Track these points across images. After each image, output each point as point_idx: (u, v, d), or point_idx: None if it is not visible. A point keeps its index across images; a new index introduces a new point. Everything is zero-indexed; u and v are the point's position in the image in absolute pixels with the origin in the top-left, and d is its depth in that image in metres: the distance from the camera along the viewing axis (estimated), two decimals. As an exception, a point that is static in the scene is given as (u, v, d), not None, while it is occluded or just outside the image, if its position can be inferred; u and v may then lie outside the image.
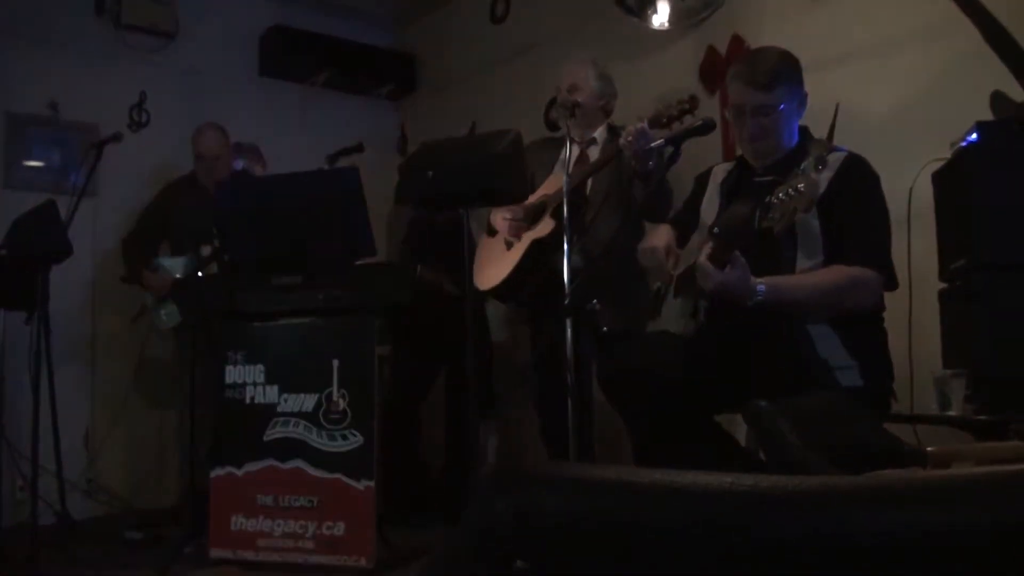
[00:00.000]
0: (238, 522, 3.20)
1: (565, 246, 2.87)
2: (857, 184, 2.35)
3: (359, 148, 3.77)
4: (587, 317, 2.71)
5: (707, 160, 3.15)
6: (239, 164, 4.57)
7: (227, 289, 3.34)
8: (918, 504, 0.44)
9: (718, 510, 0.44)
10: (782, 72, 2.44)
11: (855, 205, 2.31)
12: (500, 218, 3.48)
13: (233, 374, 3.33)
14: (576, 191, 3.25)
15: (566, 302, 2.65)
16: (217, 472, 3.28)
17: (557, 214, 3.22)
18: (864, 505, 0.43)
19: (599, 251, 3.15)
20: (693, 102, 3.13)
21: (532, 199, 3.45)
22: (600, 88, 3.54)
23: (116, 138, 4.02)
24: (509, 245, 3.49)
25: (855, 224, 2.30)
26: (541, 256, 3.28)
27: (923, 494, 0.46)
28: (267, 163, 4.92)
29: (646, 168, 3.07)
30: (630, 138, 3.03)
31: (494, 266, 3.53)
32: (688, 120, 3.09)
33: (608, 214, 3.39)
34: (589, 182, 3.40)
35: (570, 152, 3.10)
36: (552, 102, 4.60)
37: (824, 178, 1.95)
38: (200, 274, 3.95)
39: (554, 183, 3.36)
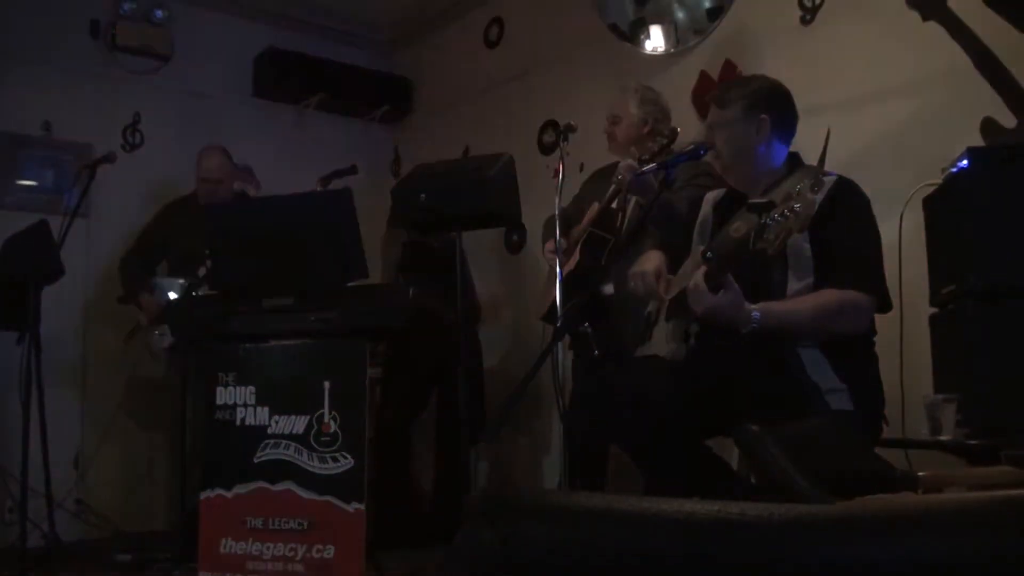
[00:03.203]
0: (227, 545, 3.17)
1: (558, 271, 2.88)
2: (848, 207, 2.35)
3: (353, 170, 3.78)
4: (579, 340, 2.72)
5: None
6: (236, 186, 4.57)
7: (219, 310, 3.33)
8: (900, 533, 0.44)
9: (703, 538, 0.43)
10: (742, 91, 2.47)
11: (846, 228, 2.32)
12: (545, 251, 3.55)
13: (224, 395, 3.30)
14: (607, 222, 3.28)
15: (557, 325, 2.65)
16: (207, 494, 3.25)
17: (584, 248, 3.24)
18: (854, 534, 0.43)
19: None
20: (672, 135, 3.13)
21: (578, 229, 3.51)
22: (642, 114, 3.55)
23: (109, 159, 4.03)
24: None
25: (846, 247, 2.30)
26: (575, 287, 3.30)
27: (905, 523, 0.45)
28: (260, 184, 4.92)
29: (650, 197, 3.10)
30: (620, 175, 3.05)
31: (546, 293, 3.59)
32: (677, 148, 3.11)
33: (642, 243, 3.41)
34: (624, 212, 3.42)
35: (562, 181, 3.14)
36: (546, 126, 4.64)
37: (815, 200, 1.95)
38: (196, 295, 3.94)
39: (586, 216, 3.42)
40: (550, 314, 3.54)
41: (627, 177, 3.00)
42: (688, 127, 3.97)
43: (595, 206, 3.37)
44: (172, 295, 4.03)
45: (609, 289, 2.89)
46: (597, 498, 0.47)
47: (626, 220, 3.43)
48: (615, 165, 3.35)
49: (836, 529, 0.44)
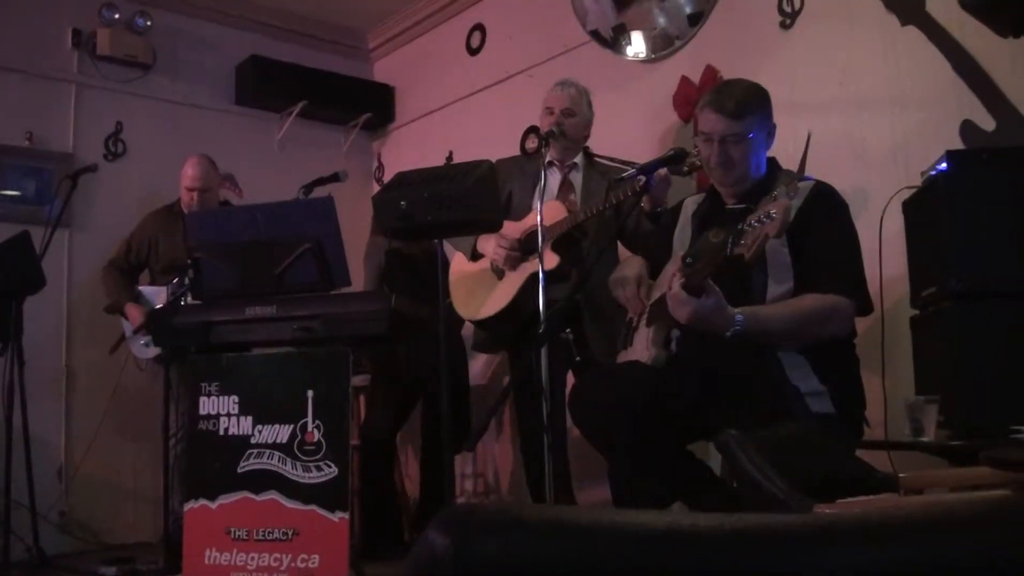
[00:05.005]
0: (212, 556, 3.15)
1: (540, 275, 2.87)
2: (825, 212, 2.36)
3: (335, 178, 3.77)
4: (561, 346, 2.72)
5: (683, 191, 3.17)
6: (222, 195, 4.56)
7: (202, 319, 3.31)
8: (856, 543, 0.44)
9: (655, 551, 0.43)
10: (752, 101, 2.46)
11: (824, 233, 2.33)
12: (494, 247, 3.44)
13: (207, 405, 3.29)
14: (579, 224, 3.26)
15: (540, 331, 2.65)
16: (191, 505, 3.23)
17: (559, 247, 3.21)
18: (807, 544, 0.43)
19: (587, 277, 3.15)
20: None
21: (524, 224, 3.43)
22: (589, 117, 3.58)
23: (92, 169, 4.02)
24: (500, 274, 3.47)
25: (825, 252, 2.31)
26: (537, 289, 3.23)
27: (862, 532, 0.45)
28: (243, 193, 4.90)
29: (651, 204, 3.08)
30: (640, 180, 3.02)
31: (483, 294, 3.51)
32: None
33: (597, 243, 3.39)
34: (586, 214, 3.38)
35: (545, 177, 3.11)
36: (529, 131, 4.63)
37: (794, 206, 1.95)
38: (179, 304, 3.92)
39: (547, 212, 3.31)
40: (494, 323, 3.49)
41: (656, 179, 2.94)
42: (669, 132, 4.00)
43: (552, 203, 3.31)
44: (156, 304, 4.02)
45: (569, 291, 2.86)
46: (549, 510, 0.47)
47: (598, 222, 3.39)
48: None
49: (789, 540, 0.44)
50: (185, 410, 3.44)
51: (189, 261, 3.34)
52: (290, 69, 5.43)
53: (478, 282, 3.53)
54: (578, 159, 3.57)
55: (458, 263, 3.60)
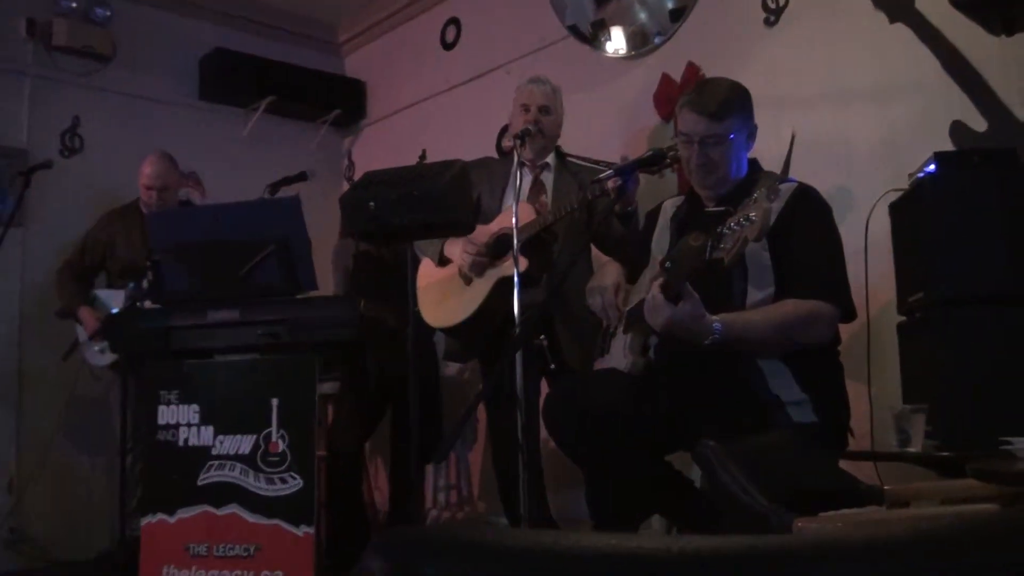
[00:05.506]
0: (170, 572, 3.12)
1: (515, 280, 2.86)
2: (808, 215, 2.37)
3: (302, 177, 3.76)
4: (535, 353, 2.71)
5: (663, 193, 3.17)
6: (181, 194, 4.52)
7: (161, 325, 3.28)
8: (812, 567, 0.43)
9: (596, 574, 0.42)
10: (733, 102, 2.47)
11: (806, 236, 2.34)
12: (460, 251, 3.42)
13: (166, 414, 3.26)
14: (548, 226, 3.25)
15: (515, 336, 2.64)
16: (148, 520, 3.20)
17: (529, 250, 3.19)
18: (759, 569, 0.42)
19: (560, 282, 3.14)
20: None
21: (492, 228, 3.43)
22: (562, 116, 3.57)
23: (47, 165, 3.97)
24: (468, 280, 3.46)
25: (807, 256, 2.32)
26: (508, 295, 3.21)
27: (819, 555, 0.44)
28: (206, 192, 4.87)
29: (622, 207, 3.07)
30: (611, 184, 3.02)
31: (452, 301, 3.49)
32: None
33: (569, 247, 3.38)
34: (555, 216, 3.37)
35: (520, 178, 3.10)
36: (505, 129, 4.62)
37: (774, 209, 1.96)
38: (137, 308, 3.89)
39: (511, 215, 3.29)
40: (461, 330, 3.47)
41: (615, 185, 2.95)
42: (649, 130, 4.01)
43: (522, 204, 3.29)
44: (113, 309, 3.98)
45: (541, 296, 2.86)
46: (490, 533, 0.46)
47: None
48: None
49: (740, 563, 0.43)
50: (143, 420, 3.40)
51: (148, 263, 3.31)
52: (257, 63, 5.40)
53: (446, 288, 3.51)
54: (550, 159, 3.56)
55: (425, 269, 3.58)
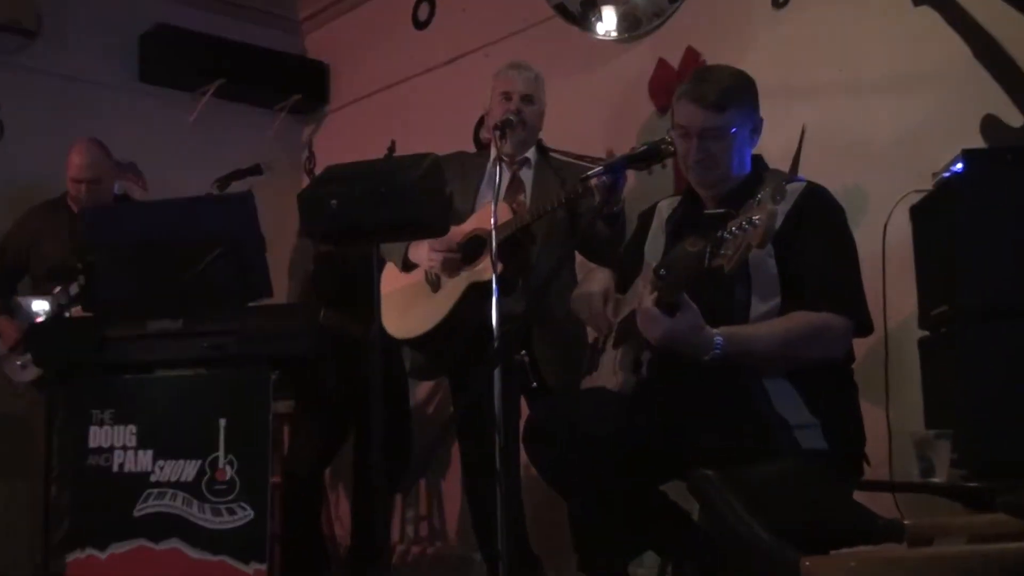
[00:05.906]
0: (101, 616, 3.12)
1: (494, 287, 2.87)
2: (818, 218, 2.39)
3: (256, 170, 3.77)
4: (516, 370, 2.71)
5: (655, 191, 3.18)
6: (117, 187, 4.51)
7: (93, 335, 3.27)
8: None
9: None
10: (735, 91, 2.48)
11: (816, 242, 2.35)
12: (427, 252, 3.42)
13: (99, 436, 3.25)
14: (524, 226, 3.26)
15: (493, 350, 2.65)
16: (76, 555, 3.19)
17: (504, 253, 3.20)
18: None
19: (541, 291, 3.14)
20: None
21: (464, 228, 3.43)
22: (544, 107, 3.58)
23: (-38, 155, 3.96)
24: (435, 286, 3.46)
25: (817, 264, 2.34)
26: (480, 302, 3.21)
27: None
28: (147, 185, 4.86)
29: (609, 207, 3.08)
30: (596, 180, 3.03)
31: (417, 310, 3.49)
32: None
33: (550, 251, 3.38)
34: (533, 216, 3.37)
35: (500, 174, 3.12)
36: (483, 119, 4.64)
37: (780, 211, 1.97)
38: (65, 317, 3.88)
39: (487, 214, 3.30)
40: (427, 340, 3.48)
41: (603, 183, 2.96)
42: (644, 120, 4.02)
43: (503, 204, 3.31)
44: (37, 317, 3.96)
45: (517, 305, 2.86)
46: None
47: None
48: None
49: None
50: (71, 443, 3.38)
51: (79, 265, 3.31)
52: (205, 40, 5.39)
53: (411, 296, 3.51)
54: (530, 154, 3.57)
55: (389, 274, 3.57)
